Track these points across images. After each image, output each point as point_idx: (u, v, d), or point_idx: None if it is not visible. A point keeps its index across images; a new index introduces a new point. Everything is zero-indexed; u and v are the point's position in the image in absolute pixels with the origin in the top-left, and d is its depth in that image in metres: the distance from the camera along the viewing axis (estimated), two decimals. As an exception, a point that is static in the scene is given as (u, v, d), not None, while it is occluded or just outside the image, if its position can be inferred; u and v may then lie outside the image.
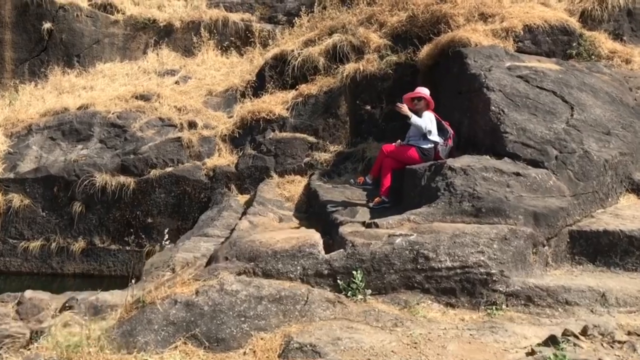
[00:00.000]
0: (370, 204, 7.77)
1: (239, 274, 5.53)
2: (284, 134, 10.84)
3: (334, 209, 7.86)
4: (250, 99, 11.49)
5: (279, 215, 8.97)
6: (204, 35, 14.46)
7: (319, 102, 10.92)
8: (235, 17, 15.13)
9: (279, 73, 11.64)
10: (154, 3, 15.49)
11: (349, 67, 10.80)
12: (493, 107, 7.66)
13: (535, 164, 6.88)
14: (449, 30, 9.89)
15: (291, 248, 5.64)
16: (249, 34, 14.66)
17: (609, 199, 6.90)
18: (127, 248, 10.96)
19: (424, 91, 8.05)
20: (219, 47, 14.57)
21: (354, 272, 5.46)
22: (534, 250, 5.83)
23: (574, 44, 9.59)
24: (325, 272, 5.55)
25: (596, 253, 6.08)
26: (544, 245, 5.95)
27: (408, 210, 6.52)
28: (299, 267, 5.56)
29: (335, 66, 11.08)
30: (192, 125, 11.33)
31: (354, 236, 5.89)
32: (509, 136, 7.23)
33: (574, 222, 6.28)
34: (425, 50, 10.06)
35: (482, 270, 5.41)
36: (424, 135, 7.79)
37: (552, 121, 7.45)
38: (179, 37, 14.93)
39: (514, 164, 6.90)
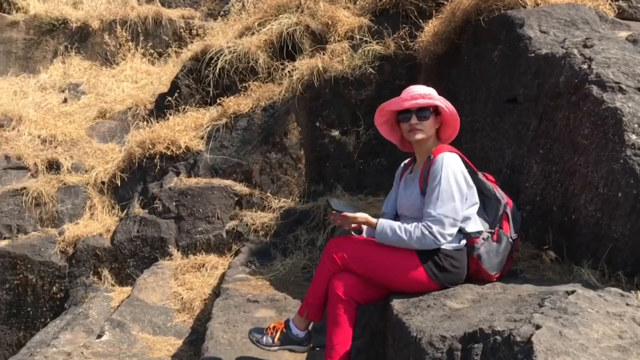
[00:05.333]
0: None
1: None
2: (195, 181, 5.63)
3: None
4: (152, 122, 6.28)
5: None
6: (121, 36, 9.28)
7: (254, 125, 5.70)
8: (173, 14, 9.98)
9: (197, 81, 6.41)
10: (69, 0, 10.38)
11: (302, 66, 5.59)
12: (633, 136, 2.38)
13: None
14: (473, -7, 4.64)
15: None
16: (189, 35, 9.50)
17: None
18: (-61, 375, 5.76)
19: (429, 93, 2.81)
20: (148, 52, 9.39)
21: None
22: None
23: None
24: None
25: None
26: None
27: None
28: None
29: (282, 65, 5.86)
30: (52, 166, 6.14)
31: None
32: None
33: None
34: (431, 27, 4.84)
35: None
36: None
37: None
38: (97, 41, 9.77)
39: None
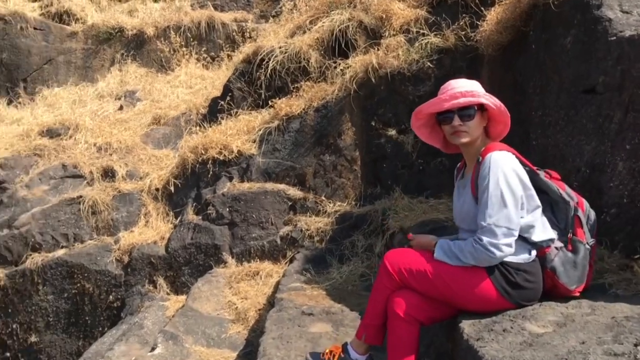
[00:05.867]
0: None
1: None
2: (248, 185, 5.46)
3: None
4: (204, 126, 6.16)
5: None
6: (175, 42, 9.26)
7: (306, 126, 5.48)
8: (226, 17, 9.89)
9: (249, 83, 6.25)
10: (124, 8, 10.46)
11: (356, 63, 5.33)
12: None
13: None
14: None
15: None
16: (242, 38, 9.38)
17: None
18: (4, 383, 5.82)
19: (471, 90, 2.47)
20: (202, 57, 9.33)
21: None
22: None
23: None
24: None
25: None
26: None
27: None
28: None
29: (335, 64, 5.60)
30: (108, 174, 6.11)
31: None
32: None
33: None
34: (494, 15, 4.47)
35: None
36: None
37: None
38: (152, 48, 9.80)
39: None
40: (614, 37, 2.98)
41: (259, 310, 4.57)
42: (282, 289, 4.35)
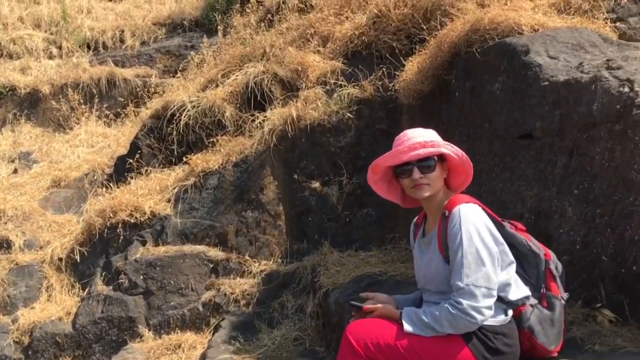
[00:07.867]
0: None
1: None
2: (164, 249, 4.94)
3: None
4: (111, 187, 5.58)
5: None
6: (73, 100, 8.57)
7: (225, 182, 5.08)
8: (128, 73, 9.35)
9: (159, 139, 5.78)
10: (16, 65, 9.62)
11: (274, 116, 5.06)
12: None
13: None
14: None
15: None
16: (147, 93, 8.86)
17: None
18: None
19: (430, 140, 2.21)
20: (104, 114, 8.69)
21: None
22: None
23: None
24: None
25: None
26: None
27: None
28: None
29: (252, 117, 5.31)
30: (2, 245, 5.35)
31: None
32: None
33: None
34: (414, 64, 4.40)
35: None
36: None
37: None
38: (48, 107, 9.01)
39: None
40: (547, 82, 2.91)
41: (187, 389, 4.03)
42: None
